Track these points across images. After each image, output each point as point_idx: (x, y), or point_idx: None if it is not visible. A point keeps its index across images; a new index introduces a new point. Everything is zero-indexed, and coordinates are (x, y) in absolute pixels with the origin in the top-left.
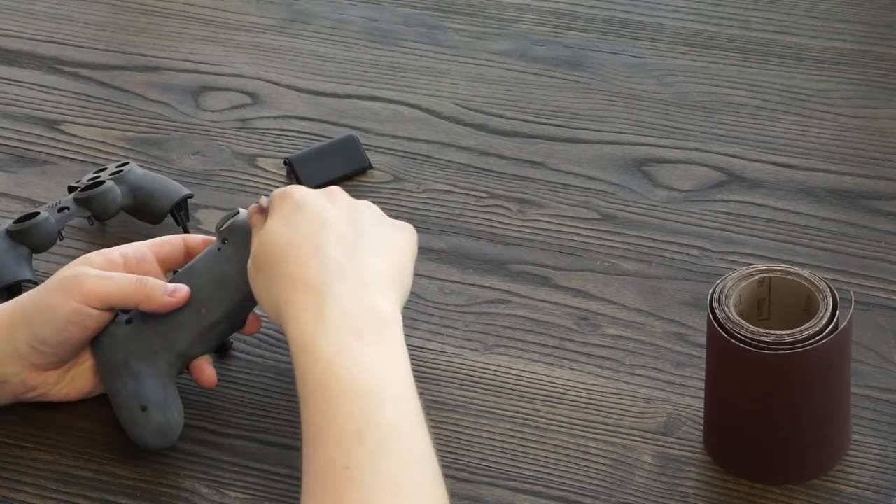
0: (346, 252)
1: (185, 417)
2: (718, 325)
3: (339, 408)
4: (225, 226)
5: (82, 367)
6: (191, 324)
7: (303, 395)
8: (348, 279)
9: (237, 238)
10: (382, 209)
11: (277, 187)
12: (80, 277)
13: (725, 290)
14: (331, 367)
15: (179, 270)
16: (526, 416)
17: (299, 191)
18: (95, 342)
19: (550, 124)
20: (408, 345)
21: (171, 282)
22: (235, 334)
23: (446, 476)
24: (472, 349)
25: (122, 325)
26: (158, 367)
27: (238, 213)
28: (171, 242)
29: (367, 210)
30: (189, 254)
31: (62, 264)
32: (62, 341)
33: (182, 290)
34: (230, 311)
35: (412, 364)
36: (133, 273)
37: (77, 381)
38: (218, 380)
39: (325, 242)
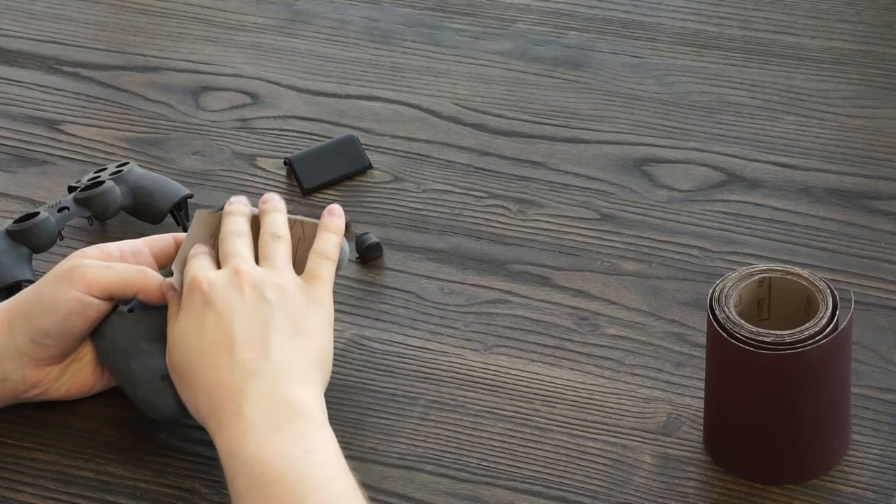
0: (256, 352)
1: (185, 418)
2: (718, 325)
3: (271, 500)
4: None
5: (82, 362)
6: None
7: (235, 498)
8: (261, 379)
9: None
10: (382, 209)
11: (277, 187)
12: (80, 267)
13: (725, 290)
14: (256, 466)
15: (178, 255)
16: (525, 416)
17: (207, 282)
18: (97, 332)
19: (550, 124)
20: (408, 345)
21: (174, 265)
22: None
23: (446, 476)
24: (472, 349)
25: (125, 313)
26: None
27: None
28: (163, 239)
29: (276, 294)
30: None
31: None
32: (64, 332)
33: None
34: None
35: (411, 364)
36: None
37: (78, 376)
38: None
39: (233, 345)
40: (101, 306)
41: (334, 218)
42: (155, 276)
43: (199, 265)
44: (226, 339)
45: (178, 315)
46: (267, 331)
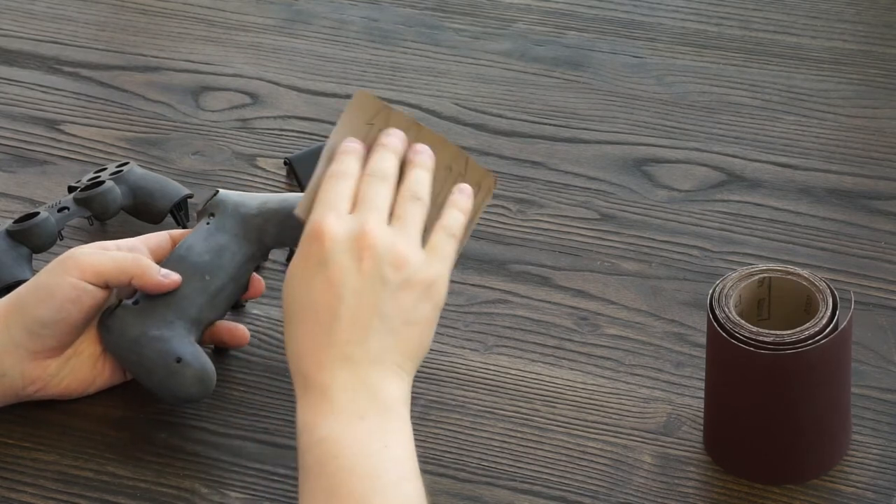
0: (357, 334)
1: (185, 418)
2: (718, 325)
3: (340, 488)
4: (209, 203)
5: (81, 357)
6: (198, 292)
7: (302, 472)
8: (354, 364)
9: (222, 210)
10: None
11: (277, 187)
12: (75, 255)
13: (725, 290)
14: (331, 447)
15: (175, 248)
16: (525, 416)
17: (330, 237)
18: (104, 327)
19: (550, 124)
20: None
21: (169, 257)
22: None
23: (446, 476)
24: (472, 349)
25: (130, 306)
26: (178, 331)
27: (217, 192)
28: (158, 236)
29: (395, 274)
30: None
31: None
32: (59, 320)
33: (174, 275)
34: (233, 274)
35: None
36: None
37: (77, 372)
38: (218, 379)
39: (337, 321)
40: (97, 293)
41: (464, 197)
42: (150, 263)
43: (334, 196)
44: (330, 310)
45: (297, 252)
46: (373, 315)
